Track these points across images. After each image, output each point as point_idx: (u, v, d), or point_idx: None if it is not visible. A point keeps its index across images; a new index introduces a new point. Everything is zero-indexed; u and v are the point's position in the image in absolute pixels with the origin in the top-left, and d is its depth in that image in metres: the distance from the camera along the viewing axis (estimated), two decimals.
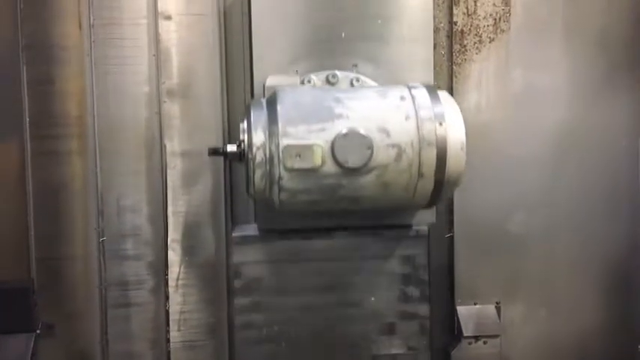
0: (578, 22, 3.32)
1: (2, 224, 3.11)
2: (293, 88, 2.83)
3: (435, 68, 3.12)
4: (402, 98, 2.72)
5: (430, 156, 2.65)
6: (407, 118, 2.67)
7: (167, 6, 3.11)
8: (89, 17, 3.08)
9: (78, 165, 3.14)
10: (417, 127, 2.65)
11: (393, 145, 2.63)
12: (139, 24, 3.11)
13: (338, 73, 2.98)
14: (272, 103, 2.71)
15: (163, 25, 3.11)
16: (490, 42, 3.28)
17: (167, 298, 3.21)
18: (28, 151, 3.09)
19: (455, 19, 3.25)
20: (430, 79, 3.06)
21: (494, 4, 3.27)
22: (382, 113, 2.68)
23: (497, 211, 3.34)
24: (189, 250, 3.19)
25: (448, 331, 3.38)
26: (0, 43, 3.05)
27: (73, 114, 3.11)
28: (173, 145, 3.16)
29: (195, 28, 3.12)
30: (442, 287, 3.35)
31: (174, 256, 3.19)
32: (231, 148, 2.78)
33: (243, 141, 2.71)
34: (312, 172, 2.62)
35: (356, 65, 3.00)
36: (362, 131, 2.62)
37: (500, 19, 3.27)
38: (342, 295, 3.08)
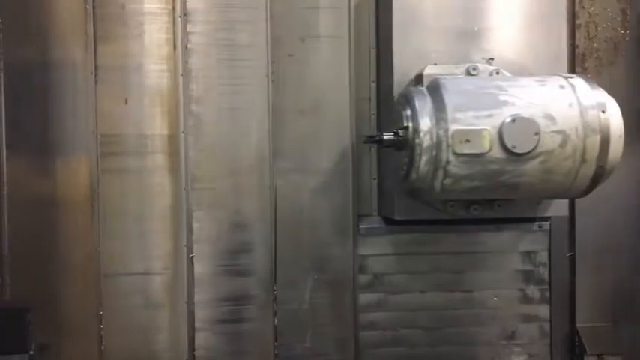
0: None
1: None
2: (453, 77, 2.86)
3: None
4: (562, 87, 2.75)
5: (594, 143, 2.68)
6: (570, 105, 2.70)
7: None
8: (183, 39, 3.13)
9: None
10: (581, 114, 2.69)
11: (559, 132, 2.66)
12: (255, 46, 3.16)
13: (479, 65, 2.98)
14: (435, 90, 2.74)
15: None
16: (610, 65, 3.34)
17: (275, 313, 3.21)
18: (97, 168, 3.12)
19: (577, 43, 3.32)
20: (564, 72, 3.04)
21: (613, 29, 3.34)
22: (545, 100, 2.70)
23: (617, 230, 3.36)
24: (319, 267, 3.22)
25: (568, 350, 3.38)
26: (74, 63, 3.10)
27: (164, 133, 3.16)
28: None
29: (327, 50, 3.19)
30: (562, 306, 3.35)
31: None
32: (388, 136, 2.82)
33: (407, 128, 2.74)
34: (479, 157, 2.65)
35: (492, 59, 3.01)
36: (529, 117, 2.65)
37: (619, 43, 3.33)
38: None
